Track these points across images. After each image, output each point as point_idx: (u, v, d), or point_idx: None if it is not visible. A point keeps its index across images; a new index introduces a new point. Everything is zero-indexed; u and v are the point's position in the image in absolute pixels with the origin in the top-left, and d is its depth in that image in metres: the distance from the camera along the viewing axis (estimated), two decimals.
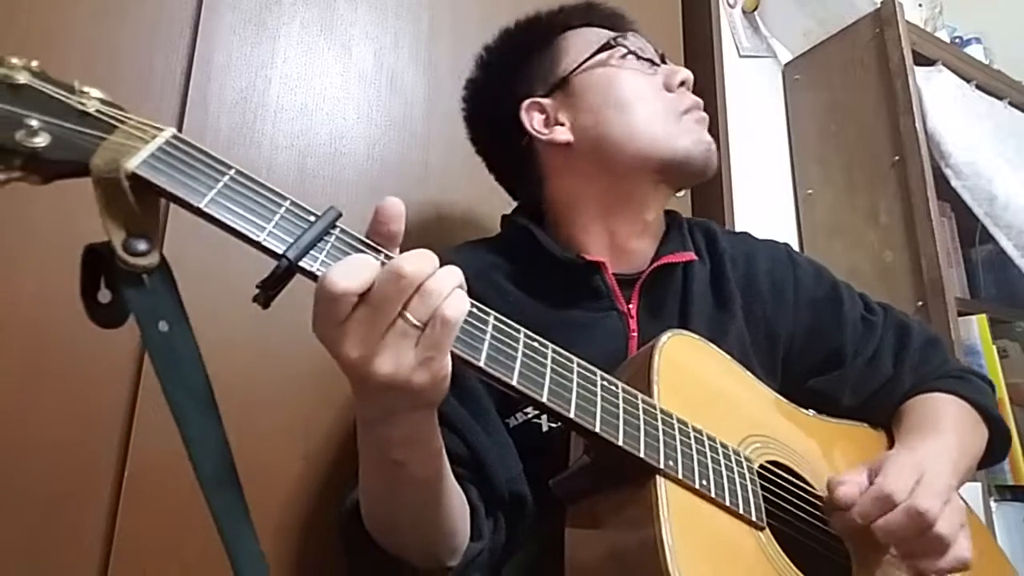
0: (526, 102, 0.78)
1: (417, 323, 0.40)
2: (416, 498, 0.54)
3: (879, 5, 1.50)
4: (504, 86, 0.81)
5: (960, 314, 1.31)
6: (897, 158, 1.38)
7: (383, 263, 0.42)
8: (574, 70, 0.77)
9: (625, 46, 0.78)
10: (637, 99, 0.76)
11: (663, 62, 0.81)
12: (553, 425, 0.66)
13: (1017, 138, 1.58)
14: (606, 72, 0.77)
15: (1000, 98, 1.64)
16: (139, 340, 0.79)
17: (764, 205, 1.49)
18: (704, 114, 0.78)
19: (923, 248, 1.31)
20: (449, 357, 0.42)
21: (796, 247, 1.52)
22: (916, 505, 0.56)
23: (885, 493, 0.57)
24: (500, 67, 0.83)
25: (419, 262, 0.41)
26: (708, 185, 1.37)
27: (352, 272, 0.40)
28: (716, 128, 1.39)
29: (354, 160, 0.99)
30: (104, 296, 0.40)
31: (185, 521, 0.75)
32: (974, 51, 1.81)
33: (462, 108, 0.88)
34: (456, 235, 0.99)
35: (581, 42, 0.80)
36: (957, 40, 1.86)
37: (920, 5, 1.78)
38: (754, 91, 1.57)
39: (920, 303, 1.29)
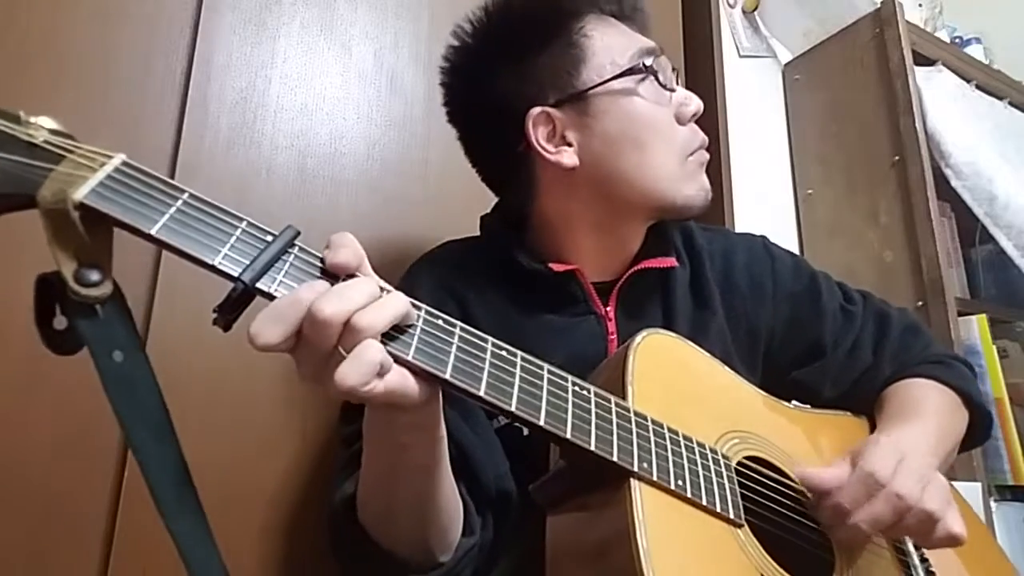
0: (535, 111, 0.70)
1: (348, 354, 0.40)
2: (416, 486, 0.54)
3: (879, 5, 1.50)
4: (510, 79, 0.72)
5: (960, 314, 1.31)
6: (897, 158, 1.38)
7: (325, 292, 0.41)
8: (595, 86, 0.70)
9: (655, 73, 0.72)
10: (656, 138, 0.71)
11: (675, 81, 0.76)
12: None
13: (1017, 138, 1.59)
14: (630, 100, 0.71)
15: (1000, 98, 1.64)
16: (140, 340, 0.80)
17: (764, 205, 1.49)
18: (706, 154, 0.75)
19: (923, 248, 1.31)
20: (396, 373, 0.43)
21: (796, 247, 1.52)
22: (896, 489, 0.57)
23: (867, 473, 0.58)
24: (505, 51, 0.73)
25: (339, 304, 0.40)
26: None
27: (267, 327, 0.40)
28: (716, 128, 1.39)
29: (354, 160, 0.99)
30: (60, 323, 0.39)
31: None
32: (974, 51, 1.81)
33: (443, 75, 0.79)
34: (456, 235, 0.99)
35: (605, 48, 0.71)
36: (957, 40, 1.86)
37: (920, 5, 1.78)
38: (754, 91, 1.57)
39: (920, 303, 1.29)
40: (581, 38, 0.71)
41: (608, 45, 0.72)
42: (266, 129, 0.94)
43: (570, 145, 0.71)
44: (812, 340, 0.81)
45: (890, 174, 1.39)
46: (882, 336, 0.83)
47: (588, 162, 0.71)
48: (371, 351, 0.41)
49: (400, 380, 0.43)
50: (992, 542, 0.82)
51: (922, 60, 1.49)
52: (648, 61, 0.71)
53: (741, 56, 1.57)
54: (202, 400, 0.81)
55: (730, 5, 1.57)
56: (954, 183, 1.45)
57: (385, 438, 0.51)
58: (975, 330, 1.35)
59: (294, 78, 0.97)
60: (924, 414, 0.72)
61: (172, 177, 0.86)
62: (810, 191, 1.54)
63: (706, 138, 0.75)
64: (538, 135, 0.71)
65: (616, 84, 0.70)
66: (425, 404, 0.46)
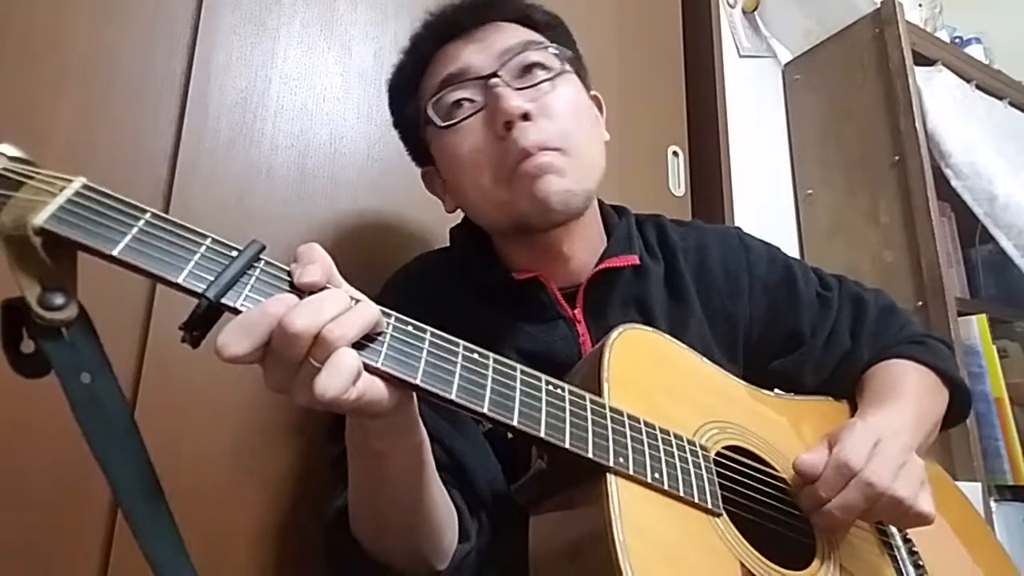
0: (422, 170, 0.81)
1: (320, 366, 0.40)
2: (402, 495, 0.54)
3: (879, 5, 1.50)
4: (410, 137, 0.81)
5: (960, 314, 1.31)
6: (897, 158, 1.38)
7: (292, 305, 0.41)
8: (423, 134, 0.76)
9: (445, 102, 0.71)
10: (465, 172, 0.71)
11: (494, 76, 0.69)
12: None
13: (1017, 138, 1.59)
14: (440, 142, 0.73)
15: (1000, 98, 1.64)
16: (138, 341, 0.80)
17: (764, 205, 1.49)
18: (538, 162, 0.67)
19: (923, 248, 1.31)
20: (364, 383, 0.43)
21: (796, 247, 1.52)
22: (866, 477, 0.58)
23: (842, 462, 0.58)
24: (403, 103, 0.80)
25: (310, 317, 0.40)
26: (708, 185, 1.37)
27: (235, 340, 0.39)
28: (716, 128, 1.39)
29: (354, 160, 0.99)
30: (27, 346, 0.39)
31: (185, 521, 0.75)
32: (974, 51, 1.81)
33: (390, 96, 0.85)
34: None
35: (426, 89, 0.74)
36: (957, 40, 1.86)
37: (920, 5, 1.78)
38: (754, 91, 1.57)
39: (920, 303, 1.29)
40: (422, 82, 0.76)
41: (425, 88, 0.75)
42: (266, 129, 0.94)
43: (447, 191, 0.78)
44: (790, 329, 0.81)
45: (890, 174, 1.39)
46: (859, 320, 0.83)
47: (458, 202, 0.77)
48: (348, 359, 0.41)
49: (369, 387, 0.43)
50: (983, 526, 0.82)
51: (922, 60, 1.49)
52: (440, 96, 0.71)
53: (741, 56, 1.57)
54: (203, 403, 0.81)
55: (730, 5, 1.57)
56: (954, 183, 1.45)
57: (364, 448, 0.51)
58: (975, 330, 1.35)
59: (294, 78, 0.97)
60: (902, 395, 0.73)
61: (172, 177, 0.86)
62: (810, 191, 1.54)
63: (525, 145, 0.66)
64: (434, 187, 0.81)
65: (429, 130, 0.74)
66: (397, 410, 0.46)
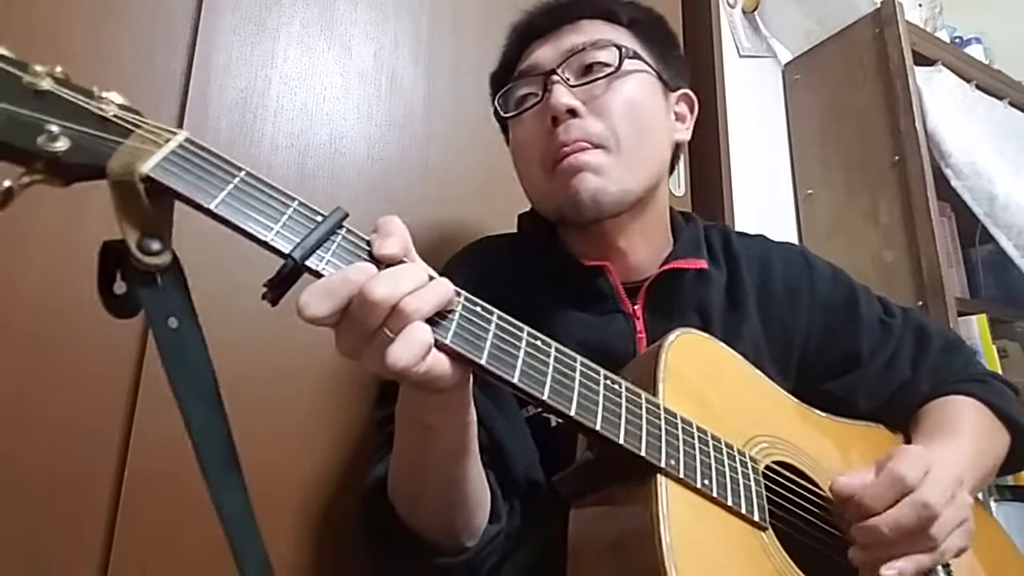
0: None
1: (394, 336, 0.42)
2: (444, 469, 0.55)
3: (879, 5, 1.50)
4: (502, 128, 0.85)
5: (960, 314, 1.31)
6: (897, 158, 1.38)
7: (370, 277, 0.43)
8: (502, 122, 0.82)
9: (511, 95, 0.78)
10: (521, 159, 0.78)
11: (553, 73, 0.73)
12: (561, 421, 0.66)
13: (1017, 138, 1.59)
14: (510, 128, 0.80)
15: (1000, 98, 1.64)
16: (139, 338, 0.80)
17: (764, 205, 1.49)
18: (575, 158, 0.70)
19: (923, 248, 1.31)
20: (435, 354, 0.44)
21: None
22: (922, 498, 0.55)
23: (896, 476, 0.56)
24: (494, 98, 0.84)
25: (390, 287, 0.42)
26: (708, 185, 1.37)
27: (317, 301, 0.41)
28: (716, 128, 1.39)
29: (354, 160, 0.99)
30: (119, 288, 0.41)
31: (185, 519, 0.76)
32: (974, 51, 1.81)
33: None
34: (456, 235, 0.99)
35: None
36: (957, 40, 1.86)
37: (920, 5, 1.78)
38: (754, 91, 1.57)
39: (920, 303, 1.29)
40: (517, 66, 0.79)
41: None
42: (266, 129, 0.94)
43: None
44: (847, 351, 0.80)
45: (890, 174, 1.39)
46: (921, 351, 0.81)
47: (521, 184, 0.81)
48: (421, 332, 0.42)
49: (436, 362, 0.44)
50: (1013, 549, 0.79)
51: (922, 60, 1.49)
52: (508, 89, 0.78)
53: (741, 56, 1.57)
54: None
55: (730, 5, 1.57)
56: (954, 183, 1.45)
57: (415, 419, 0.53)
58: (975, 330, 1.35)
59: (294, 78, 0.97)
60: (960, 432, 0.71)
61: None
62: (810, 191, 1.54)
63: (565, 140, 0.70)
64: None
65: (502, 113, 0.80)
66: (456, 388, 0.47)
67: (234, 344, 0.83)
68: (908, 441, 0.76)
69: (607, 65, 0.73)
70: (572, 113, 0.70)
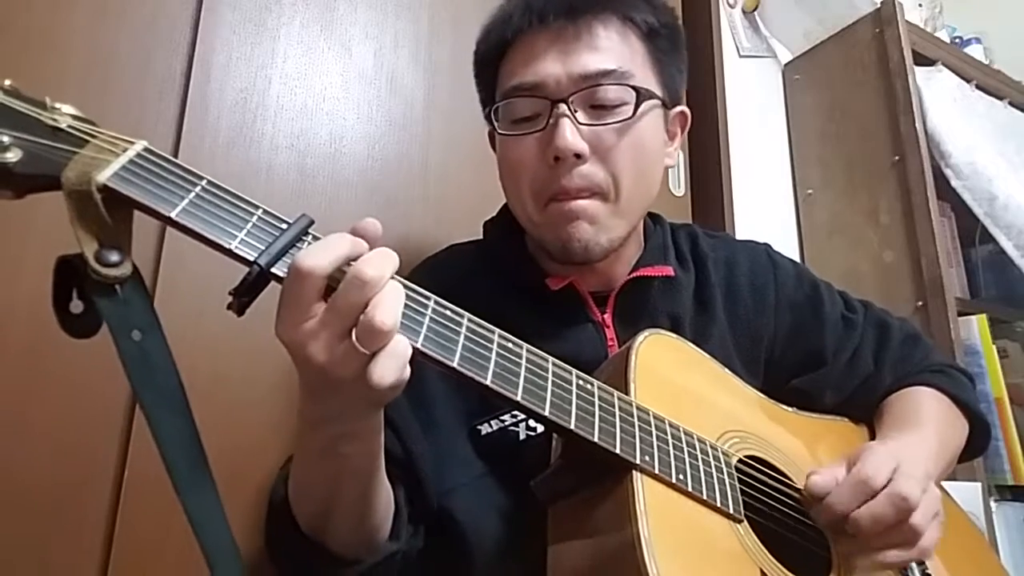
0: (489, 131, 0.78)
1: (370, 353, 0.41)
2: (354, 490, 0.54)
3: (879, 5, 1.50)
4: (484, 105, 0.78)
5: (960, 314, 1.31)
6: (897, 158, 1.38)
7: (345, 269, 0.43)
8: (491, 115, 0.73)
9: (511, 110, 0.70)
10: (512, 178, 0.71)
11: (563, 102, 0.66)
12: (531, 433, 0.66)
13: (1017, 138, 1.58)
14: (500, 141, 0.73)
15: (1000, 98, 1.64)
16: None
17: (764, 205, 1.49)
18: (574, 203, 0.67)
19: (923, 248, 1.31)
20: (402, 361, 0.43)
21: (796, 247, 1.52)
22: (898, 490, 0.57)
23: (862, 479, 0.58)
24: (481, 75, 0.77)
25: (379, 267, 0.42)
26: (708, 185, 1.37)
27: (317, 252, 0.41)
28: (716, 128, 1.39)
29: (354, 160, 0.99)
30: (76, 307, 0.41)
31: (184, 526, 0.75)
32: (974, 51, 1.81)
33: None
34: (456, 235, 0.99)
35: (503, 77, 0.72)
36: (957, 40, 1.86)
37: (920, 5, 1.78)
38: (754, 91, 1.57)
39: (920, 303, 1.29)
40: (503, 65, 0.72)
41: (507, 72, 0.71)
42: (266, 129, 0.94)
43: None
44: (813, 348, 0.81)
45: (890, 174, 1.39)
46: (883, 345, 0.83)
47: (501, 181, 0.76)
48: (402, 346, 0.42)
49: (406, 373, 0.44)
50: (986, 545, 0.83)
51: (922, 60, 1.49)
52: (510, 103, 0.70)
53: (741, 56, 1.57)
54: (202, 395, 0.81)
55: (730, 5, 1.57)
56: (954, 183, 1.44)
57: (327, 450, 0.50)
58: (975, 330, 1.35)
59: (294, 78, 0.97)
60: (923, 423, 0.73)
61: None
62: (810, 191, 1.54)
63: (567, 185, 0.66)
64: (494, 148, 0.77)
65: (493, 122, 0.73)
66: (368, 407, 0.47)
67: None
68: (873, 433, 0.78)
69: (621, 107, 0.67)
70: (577, 156, 0.66)
